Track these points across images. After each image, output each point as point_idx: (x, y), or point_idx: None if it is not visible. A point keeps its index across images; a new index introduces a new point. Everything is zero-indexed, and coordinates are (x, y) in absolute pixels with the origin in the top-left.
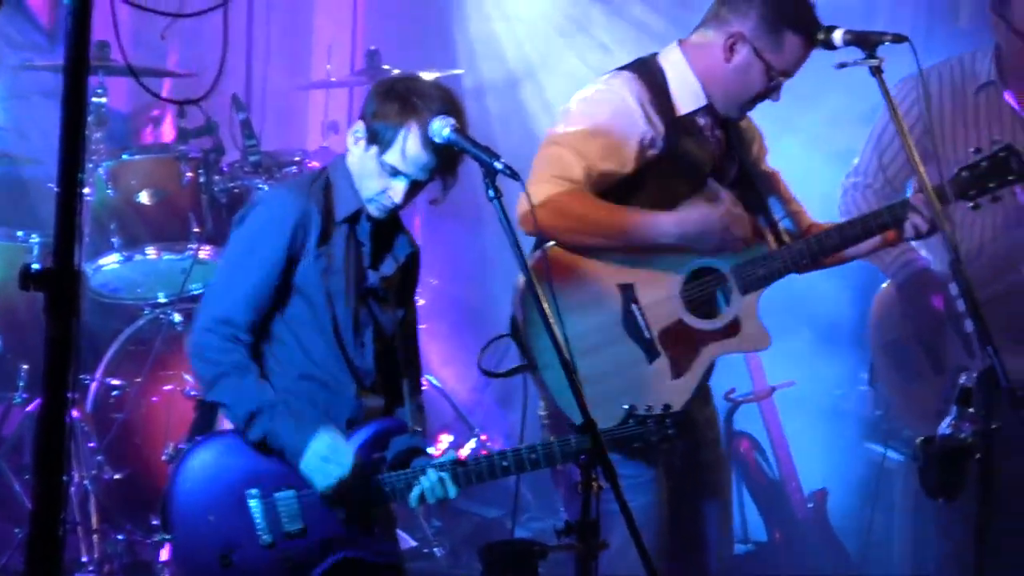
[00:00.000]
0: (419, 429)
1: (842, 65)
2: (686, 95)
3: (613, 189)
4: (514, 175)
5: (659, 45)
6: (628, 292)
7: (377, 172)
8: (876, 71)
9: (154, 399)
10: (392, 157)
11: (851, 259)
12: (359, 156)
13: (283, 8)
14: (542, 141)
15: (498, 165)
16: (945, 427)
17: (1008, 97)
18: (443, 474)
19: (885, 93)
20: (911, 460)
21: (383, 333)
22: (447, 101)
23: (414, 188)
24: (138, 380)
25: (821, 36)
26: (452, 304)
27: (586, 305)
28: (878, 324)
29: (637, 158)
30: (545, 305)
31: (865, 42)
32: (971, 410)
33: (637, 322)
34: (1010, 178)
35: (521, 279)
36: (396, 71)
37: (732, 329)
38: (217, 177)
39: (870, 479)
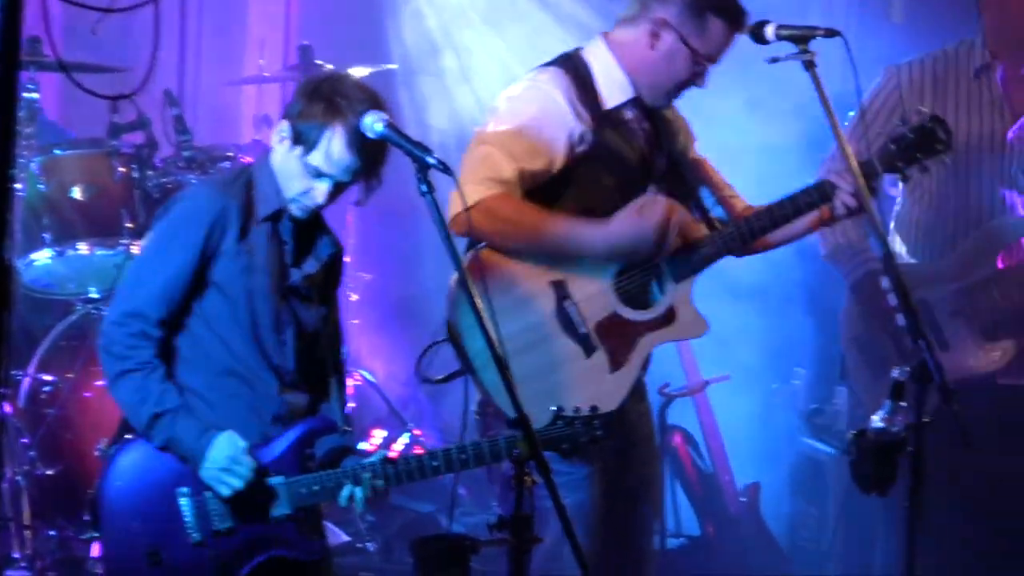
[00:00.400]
0: (348, 429)
1: (774, 59)
2: (613, 89)
3: (542, 186)
4: (446, 170)
5: (587, 36)
6: (560, 288)
7: (301, 173)
8: (809, 65)
9: (87, 394)
10: (316, 159)
11: (788, 241)
12: (283, 156)
13: (216, 4)
14: (472, 139)
15: (430, 160)
16: (877, 421)
17: (998, 74)
18: (372, 474)
19: (818, 87)
20: (843, 454)
21: (305, 331)
22: (373, 102)
23: (337, 189)
24: (71, 375)
25: (754, 30)
26: (385, 299)
27: (519, 304)
28: (847, 319)
29: (567, 155)
30: (478, 303)
31: (797, 37)
32: (903, 404)
33: (571, 318)
34: (938, 147)
35: (454, 280)
36: (329, 66)
37: (668, 318)
38: (150, 172)
39: (803, 473)
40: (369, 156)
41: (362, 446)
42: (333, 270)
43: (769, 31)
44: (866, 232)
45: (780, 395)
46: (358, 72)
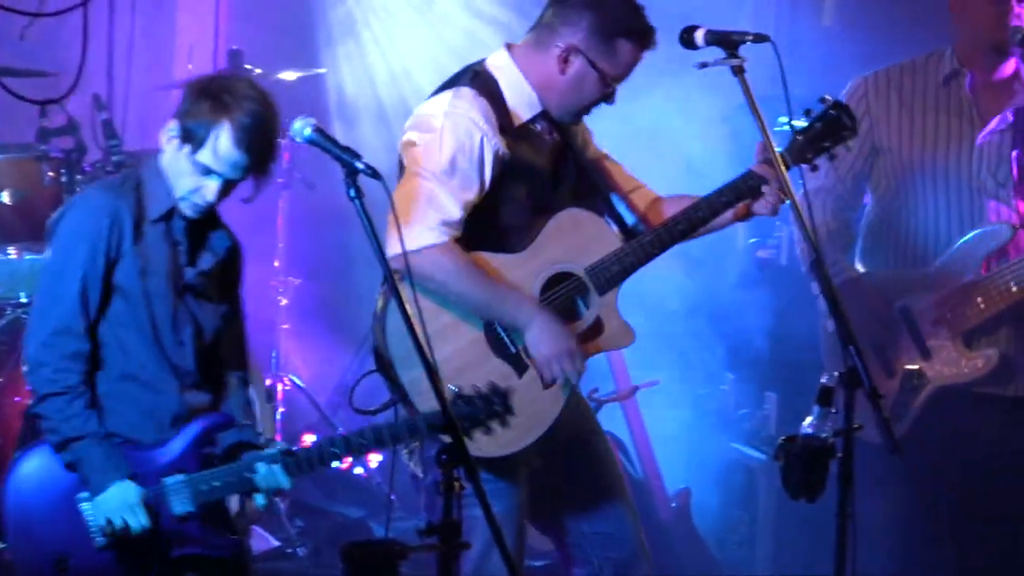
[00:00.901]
0: (248, 423)
1: (703, 65)
2: (522, 104)
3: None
4: (375, 175)
5: (509, 34)
6: None
7: (190, 171)
8: (738, 71)
9: (16, 399)
10: (204, 156)
11: (707, 232)
12: (172, 155)
13: (145, 8)
14: (406, 170)
15: (359, 165)
16: (806, 427)
17: (968, 81)
18: (274, 465)
19: (746, 92)
20: (773, 459)
21: (203, 330)
22: (261, 100)
23: (227, 187)
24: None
25: (684, 35)
26: (315, 304)
27: (449, 328)
28: (828, 326)
29: (492, 177)
30: (412, 316)
31: (727, 42)
32: (832, 410)
33: (501, 338)
34: (844, 134)
35: (379, 307)
36: (258, 71)
37: (595, 330)
38: (79, 177)
39: (733, 478)
40: (258, 152)
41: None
42: (230, 265)
43: (699, 36)
44: (843, 246)
45: (709, 400)
46: (287, 76)
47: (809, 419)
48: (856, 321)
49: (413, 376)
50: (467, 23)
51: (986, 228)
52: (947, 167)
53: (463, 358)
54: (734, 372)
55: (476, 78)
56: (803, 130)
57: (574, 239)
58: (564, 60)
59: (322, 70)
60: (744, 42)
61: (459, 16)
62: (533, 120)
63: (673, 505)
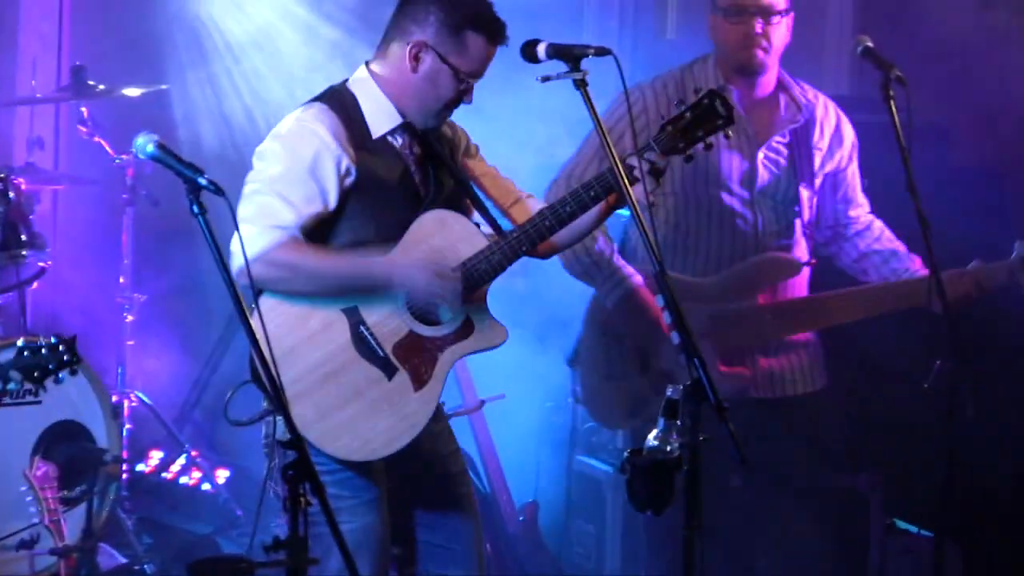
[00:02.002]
0: None
1: (546, 78)
2: (379, 117)
3: (316, 224)
4: (219, 191)
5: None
6: (354, 314)
7: None
8: (580, 84)
9: None
10: None
11: (580, 237)
12: None
13: None
14: (246, 184)
15: (202, 181)
16: (652, 440)
17: (735, 97)
18: None
19: (589, 106)
20: (619, 473)
21: None
22: None
23: None
24: None
25: (525, 49)
26: (161, 319)
27: (315, 335)
28: (596, 308)
29: (339, 190)
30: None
31: (568, 55)
32: (678, 423)
33: (368, 342)
34: (719, 123)
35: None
36: (102, 87)
37: (466, 330)
38: None
39: (580, 491)
40: None
41: (139, 468)
42: None
43: (540, 50)
44: (613, 251)
45: (556, 414)
46: (131, 92)
47: (655, 432)
48: (625, 325)
49: (284, 383)
50: (312, 40)
51: (774, 257)
52: (729, 183)
53: (332, 364)
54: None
55: (331, 95)
56: (673, 119)
57: (440, 239)
58: (415, 58)
59: (165, 86)
60: (586, 55)
61: (303, 33)
62: (392, 133)
63: (520, 518)
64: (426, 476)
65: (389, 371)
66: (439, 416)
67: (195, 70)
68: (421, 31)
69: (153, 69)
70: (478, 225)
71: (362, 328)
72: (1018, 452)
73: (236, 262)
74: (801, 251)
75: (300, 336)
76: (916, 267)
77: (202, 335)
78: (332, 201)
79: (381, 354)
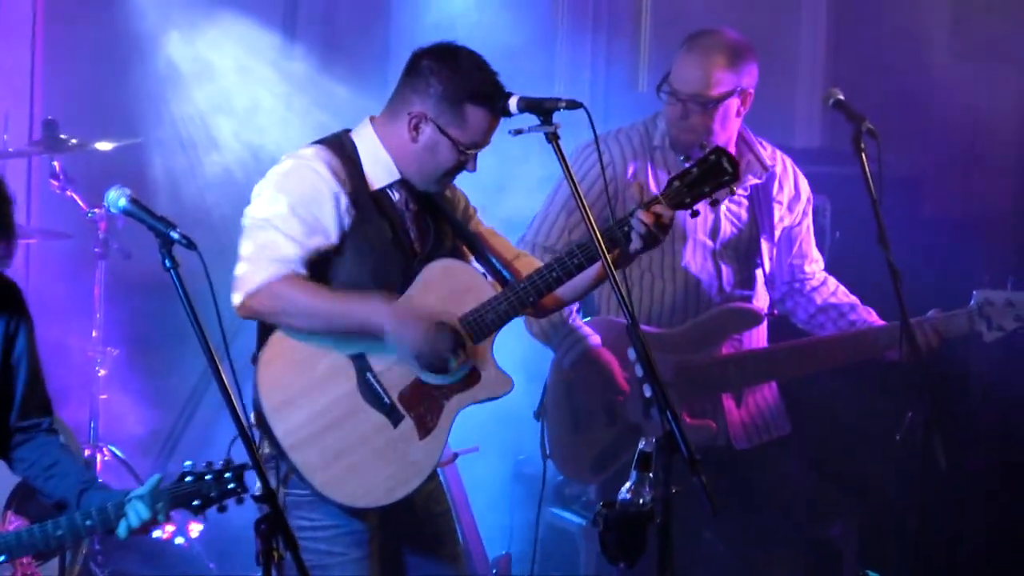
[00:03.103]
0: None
1: (518, 132)
2: (379, 170)
3: (321, 260)
4: (191, 245)
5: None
6: (361, 361)
7: None
8: (552, 138)
9: None
10: None
11: (582, 295)
12: None
13: None
14: (246, 218)
15: (174, 235)
16: (625, 492)
17: (695, 154)
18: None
19: (561, 160)
20: (592, 525)
21: None
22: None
23: None
24: None
25: (499, 104)
26: (134, 374)
27: (323, 380)
28: (558, 369)
29: (339, 226)
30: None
31: (540, 109)
32: (650, 475)
33: (375, 389)
34: (725, 179)
35: (256, 366)
36: (74, 141)
37: (472, 379)
38: None
39: (553, 543)
40: None
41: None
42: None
43: (512, 103)
44: (570, 312)
45: (529, 466)
46: (103, 146)
47: (627, 484)
48: (583, 384)
49: (287, 428)
50: (285, 89)
51: (736, 307)
52: (694, 235)
53: (337, 410)
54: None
55: (333, 140)
56: (680, 175)
57: (446, 289)
58: (415, 128)
59: (138, 139)
60: (557, 109)
61: (277, 84)
62: (390, 187)
63: (494, 571)
64: (418, 534)
65: (395, 418)
66: (432, 475)
67: (169, 124)
68: (422, 102)
69: (127, 123)
70: (484, 275)
71: (369, 375)
72: (990, 501)
73: (234, 299)
74: (762, 302)
75: (306, 382)
76: (874, 319)
77: (175, 389)
78: (333, 236)
79: (387, 401)
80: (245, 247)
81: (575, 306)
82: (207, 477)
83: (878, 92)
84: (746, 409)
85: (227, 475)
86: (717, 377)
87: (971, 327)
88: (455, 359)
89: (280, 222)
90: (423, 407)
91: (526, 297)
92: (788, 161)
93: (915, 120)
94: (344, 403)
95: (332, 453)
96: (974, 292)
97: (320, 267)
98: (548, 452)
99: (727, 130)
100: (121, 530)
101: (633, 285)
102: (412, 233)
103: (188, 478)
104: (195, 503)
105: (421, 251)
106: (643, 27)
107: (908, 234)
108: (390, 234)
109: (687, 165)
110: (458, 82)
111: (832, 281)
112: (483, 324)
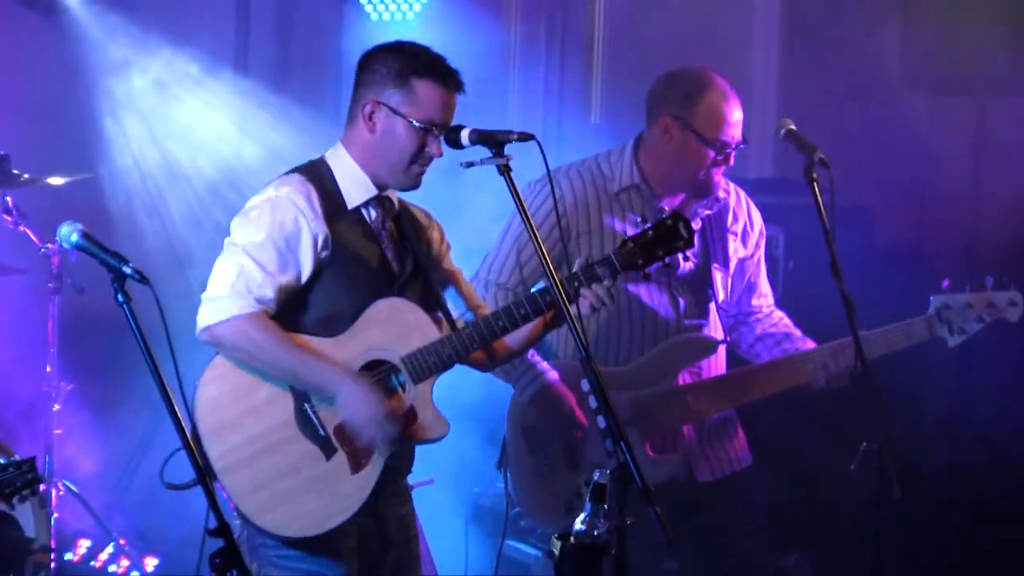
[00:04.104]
0: None
1: (469, 164)
2: (354, 188)
3: (291, 293)
4: (143, 280)
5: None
6: (300, 392)
7: None
8: (504, 170)
9: None
10: None
11: (529, 345)
12: None
13: None
14: (225, 245)
15: (127, 270)
16: (580, 523)
17: (665, 205)
18: None
19: (513, 192)
20: (547, 557)
21: None
22: None
23: None
24: None
25: (448, 135)
26: (88, 409)
27: (259, 408)
28: (515, 410)
29: (314, 261)
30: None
31: (492, 141)
32: (605, 506)
33: (311, 421)
34: (679, 244)
35: (196, 384)
36: (26, 175)
37: (409, 420)
38: None
39: (509, 575)
40: None
41: (68, 556)
42: None
43: (464, 136)
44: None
45: (484, 498)
46: (56, 181)
47: (582, 516)
48: (544, 419)
49: (221, 451)
50: (239, 116)
51: (689, 337)
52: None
53: (272, 436)
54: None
55: (310, 167)
56: (635, 237)
57: (392, 327)
58: (369, 118)
59: (90, 174)
60: (509, 141)
61: (233, 110)
62: (366, 205)
63: None
64: (384, 554)
65: (328, 451)
66: (404, 500)
67: (121, 155)
68: (370, 92)
69: (80, 157)
70: (435, 318)
71: (306, 406)
72: (947, 529)
73: (201, 321)
74: (716, 330)
75: (245, 406)
76: (809, 348)
77: (130, 423)
78: (305, 273)
79: (322, 434)
80: (219, 269)
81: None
82: (9, 468)
83: (830, 122)
84: (708, 443)
85: (24, 467)
86: (675, 407)
87: (932, 333)
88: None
89: (256, 251)
90: (357, 443)
91: (470, 343)
92: (743, 194)
93: (867, 150)
94: (280, 431)
95: (262, 480)
96: (931, 298)
97: (299, 297)
98: (515, 502)
99: None
100: None
101: (593, 326)
102: (389, 254)
103: None
104: (6, 491)
105: (399, 273)
106: (596, 58)
107: (861, 263)
108: (370, 257)
109: (642, 227)
110: (401, 61)
111: (777, 314)
112: (424, 365)
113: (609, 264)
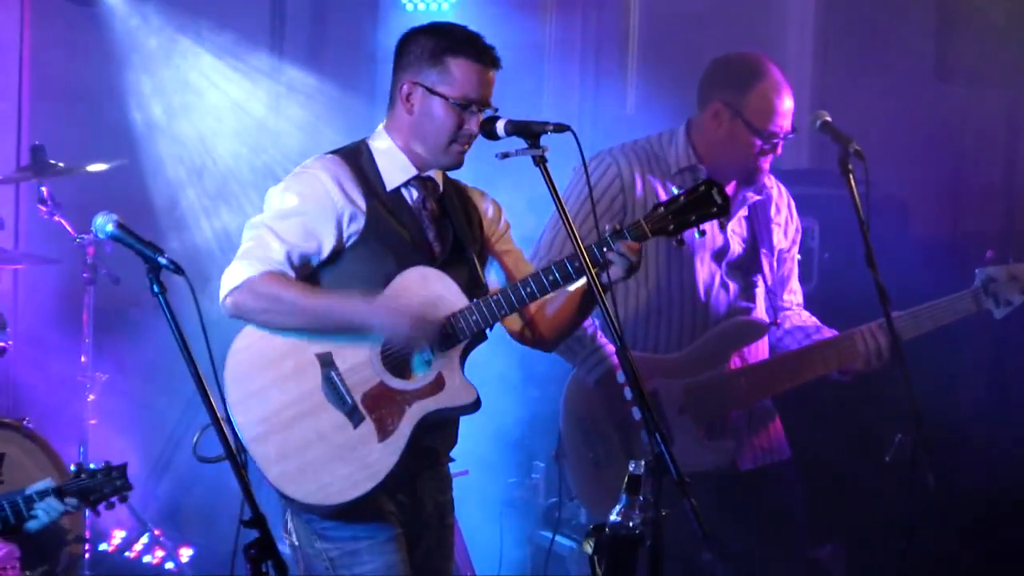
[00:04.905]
0: None
1: (505, 155)
2: (393, 170)
3: (326, 268)
4: (178, 270)
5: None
6: (326, 359)
7: None
8: (539, 161)
9: None
10: None
11: (577, 319)
12: None
13: None
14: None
15: (162, 260)
16: (615, 515)
17: (704, 174)
18: None
19: (549, 183)
20: (582, 549)
21: None
22: None
23: None
24: None
25: (484, 126)
26: (124, 398)
27: (286, 377)
28: (573, 396)
29: (336, 237)
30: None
31: (527, 132)
32: (640, 498)
33: (338, 389)
34: (713, 210)
35: (232, 356)
36: (61, 164)
37: (436, 385)
38: None
39: (544, 566)
40: None
41: (102, 547)
42: None
43: (499, 127)
44: (595, 328)
45: (519, 489)
46: (93, 168)
47: (617, 507)
48: (608, 403)
49: (246, 420)
50: (275, 105)
51: (739, 321)
52: (702, 254)
53: (299, 407)
54: (544, 461)
55: (348, 148)
56: (667, 202)
57: (419, 295)
58: (407, 99)
59: (124, 161)
60: (545, 132)
61: (268, 99)
62: (407, 185)
63: None
64: (419, 538)
65: (355, 419)
66: (445, 488)
67: (157, 145)
68: (407, 74)
69: (114, 146)
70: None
71: (333, 374)
72: (979, 520)
73: (222, 293)
74: (762, 313)
75: (272, 377)
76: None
77: (164, 413)
78: (327, 247)
79: (349, 402)
80: (241, 247)
81: (597, 323)
82: (98, 474)
83: (865, 113)
84: (755, 431)
85: (113, 473)
86: (729, 392)
87: (979, 306)
88: (422, 354)
89: (274, 222)
90: (384, 410)
91: (498, 309)
92: (783, 189)
93: (902, 141)
94: (307, 401)
95: (289, 449)
96: (976, 271)
97: (334, 276)
98: (573, 494)
99: None
100: (32, 525)
101: (642, 307)
102: (430, 234)
103: (82, 475)
104: (92, 498)
105: (440, 253)
106: (631, 49)
107: (896, 254)
108: (407, 235)
109: (674, 194)
110: (435, 40)
111: (805, 312)
112: (454, 329)
113: (638, 228)
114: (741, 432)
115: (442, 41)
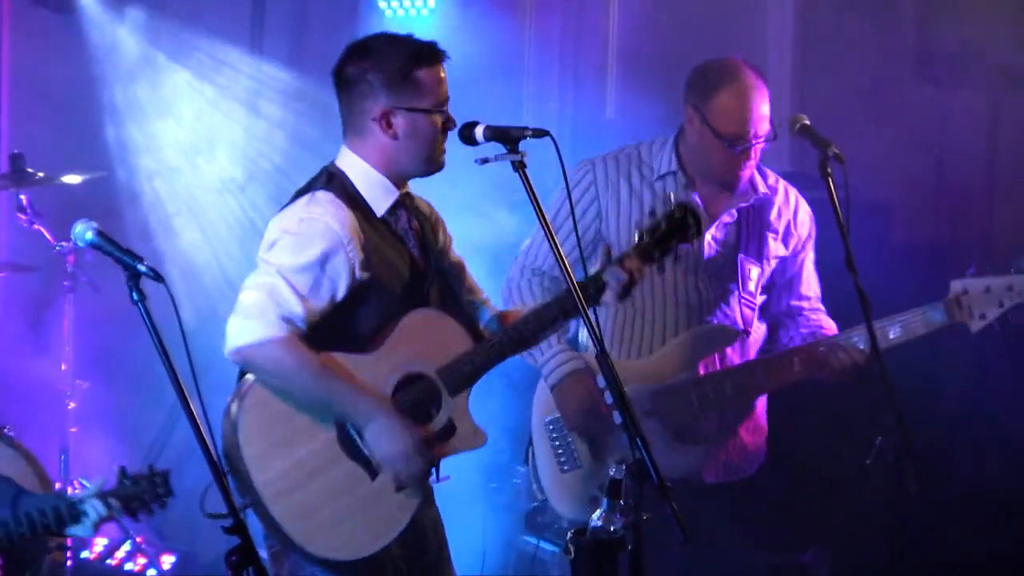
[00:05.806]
0: None
1: (484, 161)
2: (377, 194)
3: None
4: (158, 277)
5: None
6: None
7: None
8: (519, 166)
9: None
10: None
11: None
12: None
13: None
14: (259, 263)
15: (141, 268)
16: (596, 519)
17: (696, 199)
18: None
19: (528, 188)
20: (563, 553)
21: None
22: None
23: None
24: None
25: (463, 131)
26: (104, 408)
27: (302, 431)
28: (541, 402)
29: (349, 284)
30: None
31: (506, 137)
32: (621, 502)
33: (354, 441)
34: (689, 234)
35: (234, 409)
36: (40, 174)
37: (448, 432)
38: None
39: (525, 572)
40: None
41: (84, 555)
42: None
43: (479, 132)
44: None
45: (501, 494)
46: (70, 179)
47: (598, 512)
48: (574, 408)
49: (267, 478)
50: (248, 120)
51: (707, 327)
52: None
53: (316, 460)
54: (525, 466)
55: (331, 179)
56: (650, 230)
57: (425, 340)
58: (387, 126)
59: (103, 173)
60: (524, 137)
61: (248, 105)
62: (393, 209)
63: None
64: (424, 554)
65: (372, 471)
66: (431, 502)
67: (136, 154)
68: (376, 101)
69: (93, 155)
70: (467, 324)
71: (348, 426)
72: (964, 525)
73: (232, 342)
74: (736, 320)
75: (287, 431)
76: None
77: (145, 421)
78: (339, 296)
79: (366, 453)
80: (251, 290)
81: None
82: (141, 481)
83: (844, 117)
84: (724, 441)
85: (157, 479)
86: (695, 397)
87: (951, 318)
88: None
89: (290, 274)
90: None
91: (502, 350)
92: (794, 194)
93: (881, 144)
94: (324, 454)
95: (311, 505)
96: (951, 283)
97: (336, 308)
98: (543, 495)
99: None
100: (85, 528)
101: (615, 315)
102: (416, 252)
103: (126, 480)
104: (133, 504)
105: (426, 271)
106: (610, 53)
107: (876, 258)
108: (400, 264)
109: (653, 221)
110: (390, 62)
111: (819, 316)
112: (459, 376)
113: (630, 259)
114: (709, 440)
115: (397, 62)
